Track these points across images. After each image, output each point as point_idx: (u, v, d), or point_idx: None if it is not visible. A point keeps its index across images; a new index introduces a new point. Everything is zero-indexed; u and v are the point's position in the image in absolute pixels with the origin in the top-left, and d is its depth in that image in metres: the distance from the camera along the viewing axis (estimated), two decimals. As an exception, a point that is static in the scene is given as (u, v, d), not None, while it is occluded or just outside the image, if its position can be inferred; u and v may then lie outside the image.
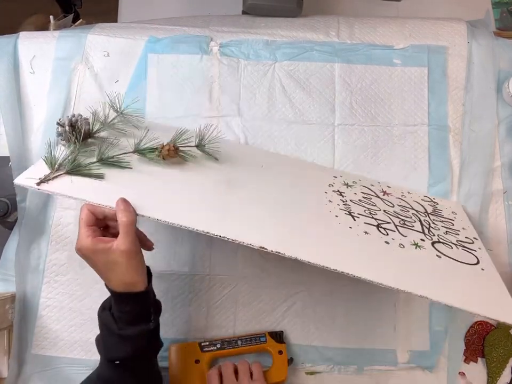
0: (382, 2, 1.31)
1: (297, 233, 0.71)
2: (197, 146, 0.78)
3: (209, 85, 0.93)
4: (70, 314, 0.86)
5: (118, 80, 0.93)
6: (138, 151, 0.74)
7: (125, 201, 0.61)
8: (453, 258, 0.74)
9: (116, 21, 1.47)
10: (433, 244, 0.77)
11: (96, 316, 0.68)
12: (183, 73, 0.94)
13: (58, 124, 0.70)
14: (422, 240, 0.77)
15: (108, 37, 0.95)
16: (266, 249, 0.63)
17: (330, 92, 0.94)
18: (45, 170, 0.66)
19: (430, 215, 0.84)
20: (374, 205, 0.83)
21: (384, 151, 0.91)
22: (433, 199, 0.88)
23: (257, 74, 0.94)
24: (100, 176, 0.67)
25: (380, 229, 0.77)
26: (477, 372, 0.85)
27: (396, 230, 0.77)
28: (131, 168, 0.71)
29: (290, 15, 1.01)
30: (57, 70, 0.93)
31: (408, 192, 0.89)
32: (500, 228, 0.89)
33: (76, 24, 1.15)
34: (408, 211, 0.84)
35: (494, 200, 0.90)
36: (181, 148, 0.75)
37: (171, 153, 0.73)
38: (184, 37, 0.95)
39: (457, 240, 0.79)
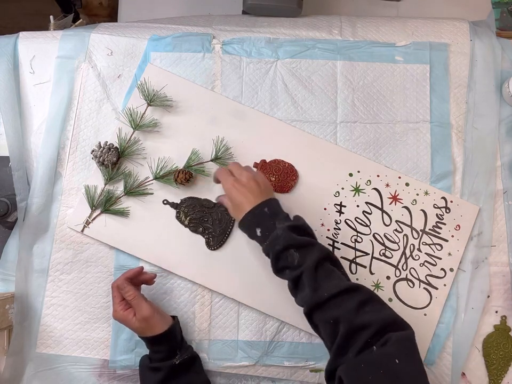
0: (382, 3, 1.32)
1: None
2: (212, 160, 0.88)
3: (212, 83, 0.93)
4: (74, 313, 0.86)
5: (120, 74, 0.94)
6: (157, 178, 0.88)
7: (125, 281, 0.76)
8: (402, 302, 0.86)
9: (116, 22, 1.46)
10: (396, 282, 0.87)
11: (101, 314, 0.83)
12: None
13: (92, 153, 0.87)
14: (388, 278, 0.86)
15: (111, 36, 0.95)
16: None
17: (332, 89, 0.94)
18: (86, 209, 0.87)
19: (424, 233, 0.88)
20: (367, 225, 0.88)
21: (387, 148, 0.92)
22: (451, 201, 0.89)
23: (259, 72, 0.94)
24: (126, 214, 0.87)
25: (351, 265, 0.87)
26: (477, 372, 0.86)
27: (368, 265, 0.87)
28: (152, 193, 0.88)
29: (291, 15, 1.01)
30: (60, 69, 0.93)
31: (426, 193, 0.89)
32: (500, 227, 0.90)
33: (76, 24, 1.15)
34: (402, 231, 0.88)
35: (494, 200, 0.90)
36: (195, 167, 0.87)
37: (185, 179, 0.85)
38: (186, 35, 0.95)
39: (426, 275, 0.87)
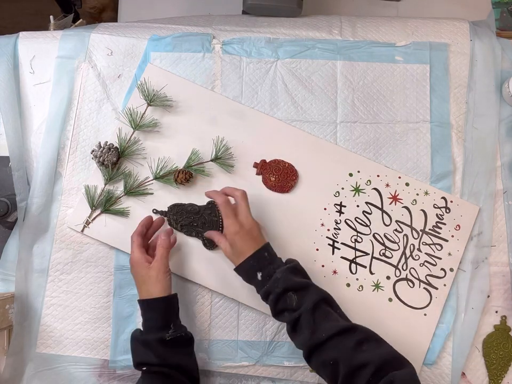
0: (382, 3, 1.32)
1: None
2: (212, 160, 0.88)
3: (212, 83, 0.93)
4: (74, 312, 0.86)
5: (120, 74, 0.94)
6: (157, 178, 0.88)
7: (167, 233, 0.80)
8: (402, 302, 0.86)
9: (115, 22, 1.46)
10: (396, 282, 0.87)
11: (101, 314, 0.83)
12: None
13: (92, 153, 0.87)
14: (388, 278, 0.87)
15: (111, 36, 0.95)
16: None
17: (332, 89, 0.94)
18: (86, 209, 0.87)
19: (425, 233, 0.89)
20: (367, 226, 0.88)
21: (387, 148, 0.92)
22: (451, 201, 0.89)
23: (259, 72, 0.94)
24: (126, 214, 0.88)
25: (351, 265, 0.87)
26: (477, 372, 0.86)
27: (368, 265, 0.87)
28: (152, 193, 0.88)
29: (290, 15, 1.01)
30: (59, 69, 0.93)
31: (426, 193, 0.89)
32: (500, 227, 0.90)
33: (76, 24, 1.15)
34: (402, 231, 0.88)
35: (494, 200, 0.90)
36: (195, 167, 0.87)
37: (185, 179, 0.86)
38: (186, 35, 0.95)
39: (427, 275, 0.87)
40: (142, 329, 0.76)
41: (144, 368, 0.73)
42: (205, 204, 0.87)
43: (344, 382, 0.63)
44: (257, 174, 0.89)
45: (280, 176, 0.88)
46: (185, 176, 0.86)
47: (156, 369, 0.72)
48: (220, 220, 0.86)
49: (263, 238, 0.77)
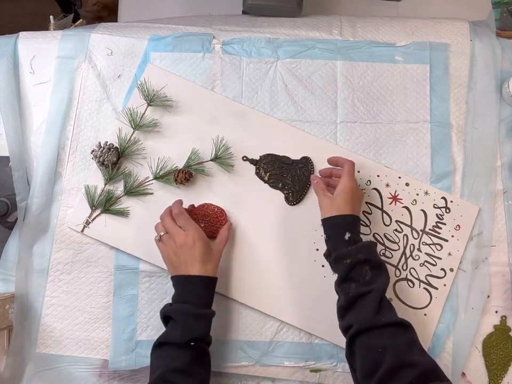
0: (382, 3, 1.31)
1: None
2: (212, 160, 0.88)
3: (212, 83, 0.93)
4: (74, 312, 0.86)
5: (120, 74, 0.94)
6: (157, 178, 0.88)
7: (227, 229, 0.83)
8: (402, 302, 0.86)
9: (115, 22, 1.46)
10: (396, 282, 0.87)
11: (101, 314, 0.83)
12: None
13: (92, 153, 0.87)
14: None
15: (111, 36, 0.95)
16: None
17: (332, 89, 0.94)
18: (86, 209, 0.87)
19: (424, 233, 0.89)
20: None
21: (387, 148, 0.92)
22: (451, 201, 0.89)
23: (259, 72, 0.94)
24: (126, 214, 0.87)
25: None
26: (477, 372, 0.86)
27: None
28: (152, 193, 0.88)
29: (290, 15, 1.01)
30: (59, 69, 0.93)
31: (426, 193, 0.89)
32: (500, 227, 0.90)
33: (76, 24, 1.15)
34: (402, 231, 0.88)
35: (494, 200, 0.90)
36: (195, 167, 0.87)
37: (184, 178, 0.86)
38: (186, 35, 0.95)
39: (426, 275, 0.87)
40: (182, 304, 0.73)
41: (193, 344, 0.71)
42: (299, 158, 0.89)
43: (387, 373, 0.61)
44: None
45: (209, 221, 0.86)
46: (185, 175, 0.86)
47: (202, 345, 0.73)
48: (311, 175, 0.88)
49: (360, 213, 0.80)
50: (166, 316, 0.73)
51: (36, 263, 0.87)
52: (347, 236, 0.73)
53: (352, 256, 0.71)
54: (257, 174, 0.89)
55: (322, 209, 0.78)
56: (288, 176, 0.88)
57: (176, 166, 0.89)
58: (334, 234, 0.75)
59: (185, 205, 0.84)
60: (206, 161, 0.88)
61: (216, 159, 0.88)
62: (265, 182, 0.89)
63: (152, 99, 0.89)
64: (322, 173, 0.86)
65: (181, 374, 0.69)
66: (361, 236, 0.76)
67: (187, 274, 0.74)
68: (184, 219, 0.78)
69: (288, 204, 0.88)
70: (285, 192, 0.88)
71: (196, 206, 0.86)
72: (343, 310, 0.71)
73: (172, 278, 0.76)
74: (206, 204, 0.87)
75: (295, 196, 0.88)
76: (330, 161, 0.85)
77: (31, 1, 1.77)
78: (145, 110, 0.89)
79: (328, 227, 0.76)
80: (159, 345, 0.72)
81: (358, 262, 0.71)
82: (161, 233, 0.78)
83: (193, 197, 0.88)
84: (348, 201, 0.76)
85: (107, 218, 0.87)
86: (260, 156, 0.89)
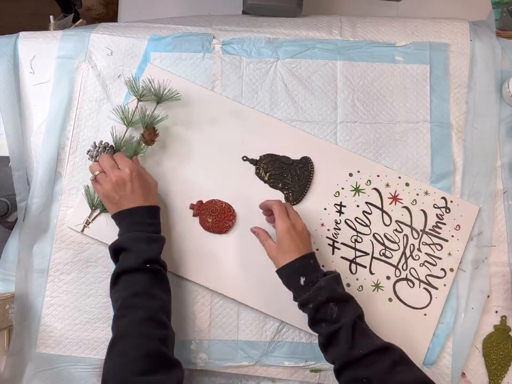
0: (382, 3, 1.31)
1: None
2: (158, 102, 0.88)
3: (212, 83, 0.93)
4: (74, 313, 0.86)
5: (120, 74, 0.94)
6: (135, 154, 0.86)
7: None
8: (402, 302, 0.86)
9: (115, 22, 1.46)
10: (396, 282, 0.87)
11: (101, 314, 0.84)
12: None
13: (88, 153, 0.85)
14: (388, 278, 0.87)
15: (111, 36, 0.95)
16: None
17: (332, 89, 0.94)
18: (86, 209, 0.87)
19: (424, 233, 0.89)
20: (367, 226, 0.88)
21: (387, 148, 0.92)
22: (451, 201, 0.89)
23: (259, 72, 0.94)
24: None
25: (351, 265, 0.87)
26: (477, 372, 0.86)
27: (368, 265, 0.87)
28: None
29: (290, 15, 1.01)
30: (59, 69, 0.93)
31: (426, 193, 0.89)
32: (500, 227, 0.90)
33: (76, 24, 1.15)
34: (402, 231, 0.88)
35: (494, 200, 0.90)
36: (154, 122, 0.86)
37: (154, 135, 0.85)
38: (186, 35, 0.95)
39: (427, 275, 0.87)
40: (130, 232, 0.75)
41: (148, 266, 0.72)
42: (299, 158, 0.89)
43: None
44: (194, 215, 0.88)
45: (217, 217, 0.87)
46: (151, 133, 0.85)
47: (158, 266, 0.74)
48: (311, 176, 0.88)
49: (311, 245, 0.78)
50: (116, 249, 0.74)
51: (36, 263, 0.87)
52: (302, 280, 0.72)
53: (312, 300, 0.71)
54: (257, 174, 0.89)
55: (273, 261, 0.77)
56: (288, 176, 0.88)
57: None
58: (290, 283, 0.75)
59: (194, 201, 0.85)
60: (156, 107, 0.88)
61: (161, 101, 0.88)
62: (265, 182, 0.89)
63: (142, 95, 0.87)
64: (263, 206, 0.83)
65: (141, 296, 0.70)
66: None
67: (130, 207, 0.76)
68: (120, 156, 0.79)
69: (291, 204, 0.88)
70: (285, 192, 0.89)
71: (204, 202, 0.87)
72: (323, 348, 0.72)
73: (114, 215, 0.78)
74: (214, 199, 0.88)
75: (295, 196, 0.88)
76: (260, 207, 0.83)
77: (31, 1, 1.77)
78: (136, 106, 0.88)
79: (284, 277, 0.75)
80: (115, 280, 0.72)
81: (320, 304, 0.70)
82: (96, 173, 0.78)
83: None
84: (290, 244, 0.74)
85: (107, 218, 0.87)
86: (260, 156, 0.89)
